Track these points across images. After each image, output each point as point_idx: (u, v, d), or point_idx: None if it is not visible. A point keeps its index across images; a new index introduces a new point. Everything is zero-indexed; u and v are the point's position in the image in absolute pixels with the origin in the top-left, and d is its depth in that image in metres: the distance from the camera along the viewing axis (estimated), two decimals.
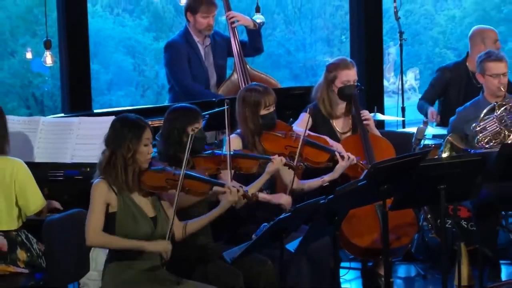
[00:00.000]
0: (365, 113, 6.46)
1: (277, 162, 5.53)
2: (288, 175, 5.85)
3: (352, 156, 5.97)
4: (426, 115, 7.55)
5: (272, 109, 5.89)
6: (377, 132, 6.56)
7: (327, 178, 5.99)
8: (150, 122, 5.55)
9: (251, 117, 5.86)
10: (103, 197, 4.86)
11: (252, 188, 5.40)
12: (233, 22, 7.47)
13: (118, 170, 4.88)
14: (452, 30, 19.87)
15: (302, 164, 5.79)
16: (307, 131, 5.92)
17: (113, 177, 4.89)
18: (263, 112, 5.86)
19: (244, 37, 7.61)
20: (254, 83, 6.56)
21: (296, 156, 5.74)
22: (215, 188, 5.08)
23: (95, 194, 4.87)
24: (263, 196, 5.69)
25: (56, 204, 5.63)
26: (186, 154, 4.98)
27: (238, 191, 5.07)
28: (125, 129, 4.93)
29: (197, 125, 5.42)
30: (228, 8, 7.51)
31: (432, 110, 7.52)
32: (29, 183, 5.40)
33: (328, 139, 6.10)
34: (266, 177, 5.54)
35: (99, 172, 4.94)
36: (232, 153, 5.44)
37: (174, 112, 5.51)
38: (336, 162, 5.96)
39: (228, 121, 5.50)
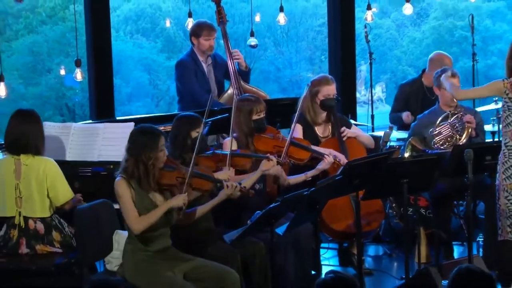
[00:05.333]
0: (344, 131, 6.40)
1: (271, 163, 5.49)
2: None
3: (332, 157, 5.99)
4: (401, 122, 7.47)
5: (262, 115, 5.87)
6: (363, 134, 6.53)
7: (310, 173, 5.96)
8: (163, 127, 5.56)
9: (245, 122, 5.83)
10: (128, 192, 4.81)
11: (246, 183, 5.34)
12: (235, 57, 7.44)
13: (141, 175, 4.83)
14: (413, 50, 19.89)
15: (288, 161, 5.79)
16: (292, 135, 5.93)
17: (135, 178, 4.83)
18: (254, 117, 5.85)
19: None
20: (247, 94, 6.54)
21: (283, 153, 5.75)
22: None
23: (121, 191, 4.80)
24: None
25: (78, 196, 5.55)
26: (194, 153, 4.95)
27: (236, 187, 5.06)
28: (143, 139, 4.86)
29: (198, 129, 5.32)
30: (228, 46, 7.44)
31: (407, 113, 7.47)
32: (59, 178, 5.35)
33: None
34: (259, 174, 5.50)
35: (124, 174, 4.86)
36: (231, 152, 5.41)
37: (180, 120, 5.47)
38: (315, 160, 5.97)
39: (232, 124, 5.51)
